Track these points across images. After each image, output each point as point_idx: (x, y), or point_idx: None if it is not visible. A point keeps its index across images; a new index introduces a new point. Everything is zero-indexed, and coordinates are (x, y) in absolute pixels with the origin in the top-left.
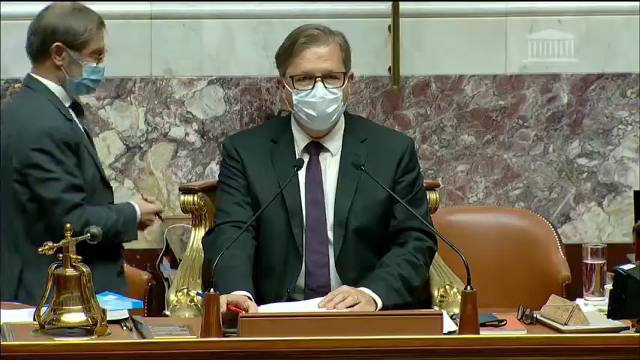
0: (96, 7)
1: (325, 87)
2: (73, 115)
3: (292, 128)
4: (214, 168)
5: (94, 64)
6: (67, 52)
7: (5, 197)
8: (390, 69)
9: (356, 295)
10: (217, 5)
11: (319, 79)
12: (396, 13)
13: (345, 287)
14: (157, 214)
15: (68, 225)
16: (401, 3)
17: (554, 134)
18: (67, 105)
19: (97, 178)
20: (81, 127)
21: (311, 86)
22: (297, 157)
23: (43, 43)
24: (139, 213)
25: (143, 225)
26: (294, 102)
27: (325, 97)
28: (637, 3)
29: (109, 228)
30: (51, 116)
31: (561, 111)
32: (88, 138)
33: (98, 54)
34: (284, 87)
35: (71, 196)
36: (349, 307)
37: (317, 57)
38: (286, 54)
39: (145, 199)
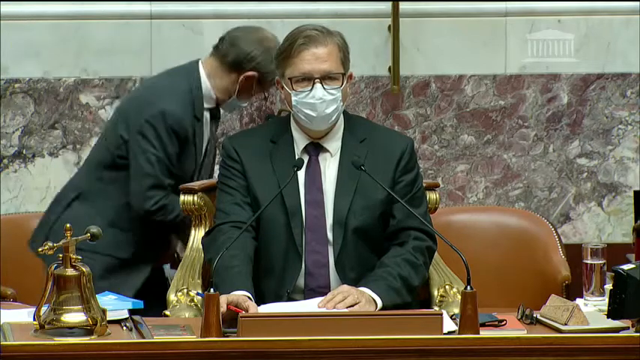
0: (96, 7)
1: (324, 88)
2: (205, 116)
3: (292, 128)
4: (214, 168)
5: (261, 97)
6: (254, 84)
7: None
8: (390, 69)
9: (356, 295)
10: (217, 5)
11: (318, 80)
12: (396, 13)
13: (345, 287)
14: None
15: (68, 225)
16: (401, 3)
17: (554, 134)
18: (206, 105)
19: (186, 179)
20: (207, 130)
21: (310, 87)
22: (296, 158)
23: (242, 62)
24: None
25: None
26: (293, 103)
27: (324, 99)
28: (637, 3)
29: (180, 220)
30: (177, 102)
31: (561, 111)
32: (207, 144)
33: (267, 92)
34: (283, 87)
35: (161, 176)
36: (349, 306)
37: (315, 58)
38: (285, 55)
39: None
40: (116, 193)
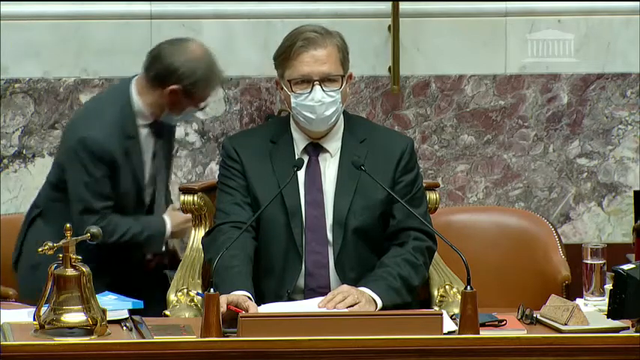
0: (96, 7)
1: (323, 90)
2: (142, 132)
3: (291, 129)
4: (214, 168)
5: (196, 110)
6: (181, 97)
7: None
8: (390, 69)
9: (356, 295)
10: (217, 5)
11: (317, 82)
12: (396, 13)
13: (345, 287)
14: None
15: (68, 225)
16: (401, 3)
17: (554, 134)
18: (142, 123)
19: (132, 196)
20: (147, 146)
21: (309, 89)
22: (296, 158)
23: (164, 77)
24: (168, 227)
25: (180, 234)
26: (293, 105)
27: (323, 101)
28: (637, 3)
29: (128, 239)
30: (100, 126)
31: (561, 111)
32: (153, 160)
33: (201, 103)
34: (282, 88)
35: (91, 200)
36: (349, 306)
37: (314, 60)
38: (284, 57)
39: (179, 209)
40: (69, 211)
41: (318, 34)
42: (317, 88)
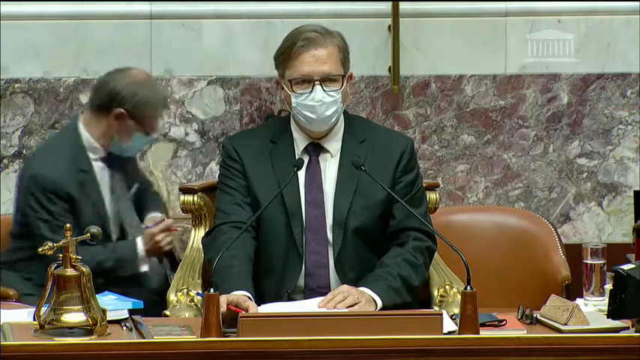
0: (96, 7)
1: (324, 90)
2: (96, 166)
3: (292, 129)
4: (214, 168)
5: (146, 136)
6: (127, 121)
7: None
8: (390, 69)
9: (356, 295)
10: (217, 5)
11: (317, 82)
12: (396, 13)
13: (345, 287)
14: (167, 230)
15: (68, 225)
16: (401, 3)
17: (554, 134)
18: (94, 157)
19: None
20: (103, 180)
21: (310, 89)
22: (296, 158)
23: (108, 103)
24: (140, 247)
25: (156, 251)
26: (293, 105)
27: (324, 101)
28: (637, 3)
29: (95, 266)
30: (52, 163)
31: (561, 111)
32: (113, 193)
33: (153, 129)
34: (282, 88)
35: (54, 237)
36: (349, 306)
37: (315, 60)
38: (284, 57)
39: (148, 225)
40: (32, 256)
41: (319, 34)
42: (317, 87)
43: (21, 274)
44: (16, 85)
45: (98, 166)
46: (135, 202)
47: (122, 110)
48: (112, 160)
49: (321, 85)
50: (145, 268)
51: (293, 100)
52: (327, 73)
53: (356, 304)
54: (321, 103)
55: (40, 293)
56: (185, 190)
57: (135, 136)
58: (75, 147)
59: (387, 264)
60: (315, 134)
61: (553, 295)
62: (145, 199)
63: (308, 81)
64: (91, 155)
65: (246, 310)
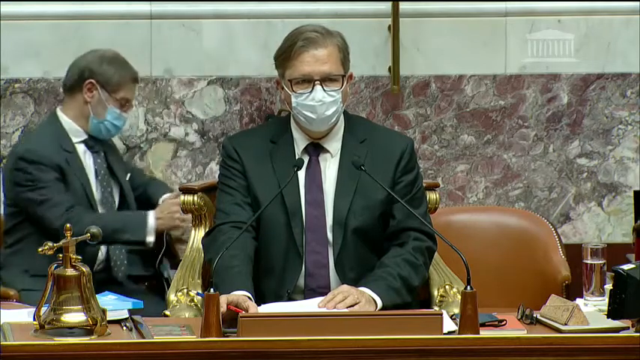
0: (96, 7)
1: (324, 90)
2: (78, 148)
3: (292, 129)
4: (214, 168)
5: (118, 111)
6: (98, 90)
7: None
8: (390, 69)
9: (356, 295)
10: (217, 5)
11: (318, 82)
12: (396, 13)
13: (345, 287)
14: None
15: (68, 225)
16: (401, 3)
17: (554, 134)
18: (76, 140)
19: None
20: (88, 162)
21: (310, 89)
22: (296, 158)
23: (79, 79)
24: (150, 218)
25: (168, 221)
26: (293, 104)
27: (324, 100)
28: (637, 3)
29: (102, 229)
30: (35, 142)
31: (561, 111)
32: (99, 177)
33: (124, 102)
34: (282, 88)
35: (60, 197)
36: (349, 306)
37: (315, 60)
38: (285, 56)
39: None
40: (28, 246)
41: (319, 33)
42: (318, 87)
43: (19, 267)
44: (16, 85)
45: (80, 149)
46: (143, 195)
47: (92, 80)
48: (92, 142)
49: (321, 84)
50: (150, 238)
51: (293, 100)
52: (328, 73)
53: (356, 304)
54: (321, 103)
55: (38, 286)
56: (185, 190)
57: (109, 110)
58: (56, 132)
59: (387, 264)
60: (315, 134)
61: (553, 295)
62: (153, 187)
63: (308, 81)
64: (74, 138)
65: (246, 310)
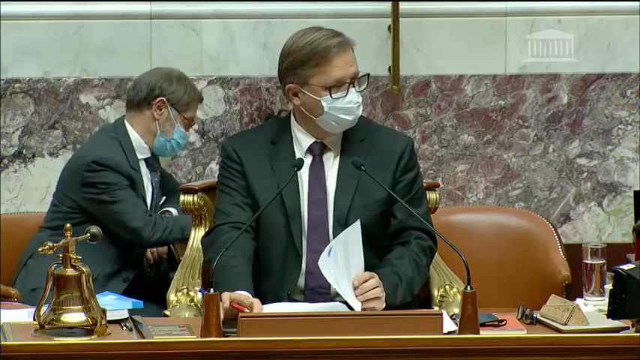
0: (96, 7)
1: (356, 91)
2: (142, 167)
3: (292, 129)
4: (214, 168)
5: (184, 130)
6: (168, 109)
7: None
8: (390, 69)
9: (381, 292)
10: (217, 5)
11: (351, 84)
12: (396, 13)
13: (377, 279)
14: None
15: (68, 225)
16: (401, 3)
17: (554, 134)
18: (140, 156)
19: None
20: (147, 182)
21: (345, 93)
22: (297, 158)
23: (148, 96)
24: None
25: None
26: (326, 109)
27: (358, 101)
28: (637, 3)
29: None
30: (108, 150)
31: (561, 111)
32: (152, 198)
33: (190, 122)
34: (296, 94)
35: (138, 200)
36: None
37: (344, 63)
38: (313, 64)
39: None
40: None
41: (341, 37)
42: (352, 90)
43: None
44: (16, 85)
45: (143, 167)
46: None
47: (163, 98)
48: (153, 162)
49: (354, 86)
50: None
51: (325, 104)
52: (356, 74)
53: (378, 297)
54: (357, 105)
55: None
56: (185, 190)
57: (177, 129)
58: (127, 146)
59: (395, 264)
60: (321, 134)
61: (553, 295)
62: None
63: (338, 85)
64: (138, 155)
65: (251, 307)
